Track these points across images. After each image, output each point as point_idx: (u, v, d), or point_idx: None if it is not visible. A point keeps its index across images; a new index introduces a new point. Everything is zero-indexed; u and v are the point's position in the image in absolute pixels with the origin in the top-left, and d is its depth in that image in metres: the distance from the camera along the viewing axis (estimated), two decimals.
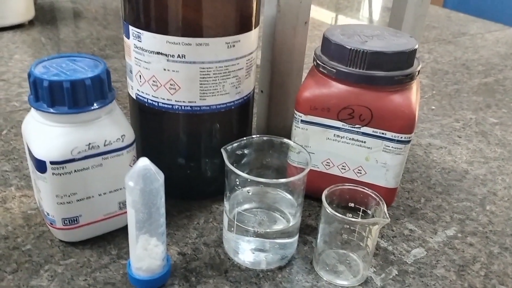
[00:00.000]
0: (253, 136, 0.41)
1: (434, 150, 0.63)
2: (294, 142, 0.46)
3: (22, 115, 0.63)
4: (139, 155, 0.42)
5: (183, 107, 0.41)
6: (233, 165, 0.39)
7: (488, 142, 0.66)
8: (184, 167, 0.46)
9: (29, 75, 0.35)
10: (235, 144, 0.40)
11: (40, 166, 0.35)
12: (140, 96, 0.43)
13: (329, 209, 0.37)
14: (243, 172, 0.43)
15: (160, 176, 0.33)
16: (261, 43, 0.54)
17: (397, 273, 0.41)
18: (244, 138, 0.40)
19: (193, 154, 0.45)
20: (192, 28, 0.38)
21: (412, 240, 0.45)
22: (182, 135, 0.44)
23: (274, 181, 0.36)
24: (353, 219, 0.37)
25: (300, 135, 0.45)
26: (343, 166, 0.45)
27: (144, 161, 0.32)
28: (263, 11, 0.50)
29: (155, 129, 0.44)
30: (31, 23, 1.03)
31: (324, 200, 0.38)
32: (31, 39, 0.94)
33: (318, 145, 0.45)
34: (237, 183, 0.39)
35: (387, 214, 0.37)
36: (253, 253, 0.40)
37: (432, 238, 0.46)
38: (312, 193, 0.46)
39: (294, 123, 0.46)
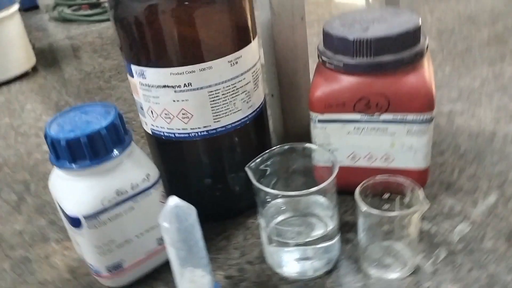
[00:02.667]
0: (274, 148, 0.41)
1: (457, 116, 0.61)
2: (315, 143, 0.46)
3: (47, 166, 0.64)
4: (165, 187, 0.42)
5: (199, 133, 0.41)
6: (260, 179, 0.39)
7: (511, 96, 0.64)
8: (212, 190, 0.46)
9: (46, 136, 0.36)
10: (258, 160, 0.40)
11: (74, 222, 0.36)
12: (156, 131, 0.43)
13: (364, 208, 0.36)
14: (270, 182, 0.43)
15: (192, 211, 0.33)
16: (262, 48, 0.53)
17: (445, 254, 0.40)
18: (266, 151, 0.40)
19: (218, 176, 0.45)
20: (193, 56, 0.38)
21: (454, 217, 0.44)
22: (204, 160, 0.44)
23: (305, 192, 0.36)
24: (391, 214, 0.36)
25: (320, 135, 0.45)
26: (369, 157, 0.45)
27: (174, 200, 0.32)
28: (258, 16, 0.49)
29: (176, 159, 0.45)
30: (34, 69, 1.05)
31: (358, 199, 0.37)
32: (38, 86, 0.95)
33: (341, 141, 0.45)
34: (267, 199, 0.39)
35: (426, 199, 0.36)
36: (298, 263, 0.40)
37: (473, 210, 0.45)
38: (343, 189, 0.46)
39: (311, 123, 0.45)
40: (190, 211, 0.33)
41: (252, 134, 0.46)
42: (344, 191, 0.47)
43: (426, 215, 0.45)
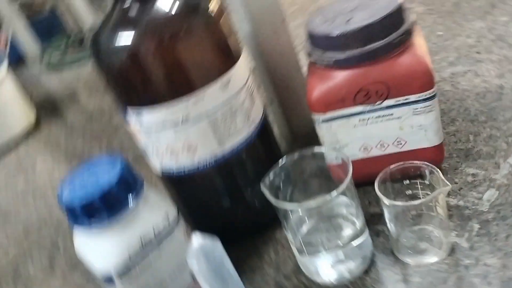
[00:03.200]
0: (284, 159, 0.40)
1: (459, 78, 0.60)
2: (323, 142, 0.45)
3: None
4: (186, 219, 0.42)
5: (208, 163, 0.41)
6: (276, 192, 0.39)
7: (510, 45, 0.63)
8: (233, 212, 0.45)
9: (60, 202, 0.36)
10: (271, 175, 0.40)
11: (107, 280, 0.36)
12: (165, 170, 0.43)
13: (387, 202, 0.36)
14: (287, 192, 0.42)
15: (216, 244, 0.33)
16: (252, 60, 0.53)
17: (479, 226, 0.40)
18: (277, 164, 0.40)
19: (237, 198, 0.45)
20: (183, 89, 0.38)
21: (479, 185, 0.43)
22: (219, 186, 0.44)
23: (324, 199, 0.36)
24: (415, 203, 0.36)
25: (327, 134, 0.44)
26: (381, 144, 0.44)
27: (197, 239, 0.32)
28: (239, 29, 0.49)
29: (191, 191, 0.45)
30: (37, 122, 1.06)
31: (379, 193, 0.37)
32: (43, 142, 0.96)
33: (349, 136, 0.44)
34: (289, 212, 0.38)
35: (445, 181, 0.36)
36: (334, 268, 0.40)
37: (497, 173, 0.44)
38: (362, 181, 0.45)
39: (316, 124, 0.45)
40: (215, 245, 0.33)
41: (260, 148, 0.46)
42: (364, 183, 0.47)
43: (450, 190, 0.44)
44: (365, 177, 0.43)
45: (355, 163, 0.45)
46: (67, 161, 0.82)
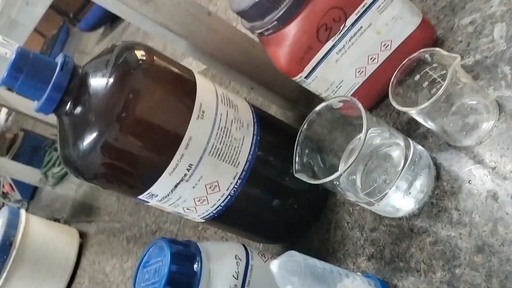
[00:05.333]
0: (298, 137, 0.38)
1: None
2: (319, 93, 0.43)
3: None
4: (254, 239, 0.41)
5: (236, 186, 0.40)
6: (312, 169, 0.37)
7: None
8: (287, 208, 0.44)
9: None
10: (296, 158, 0.38)
11: None
12: (206, 216, 0.42)
13: (412, 110, 0.34)
14: (318, 159, 0.41)
15: (293, 254, 0.32)
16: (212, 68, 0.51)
17: (509, 67, 0.37)
18: (295, 145, 0.38)
19: (283, 195, 0.44)
20: (169, 145, 0.36)
21: (483, 28, 0.40)
22: (258, 195, 0.43)
23: (356, 156, 0.33)
24: (437, 96, 0.33)
25: (317, 85, 0.42)
26: (371, 59, 0.42)
27: (274, 265, 0.31)
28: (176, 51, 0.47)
29: (240, 216, 0.44)
30: (81, 238, 1.06)
31: (400, 108, 0.34)
32: (98, 241, 0.97)
33: (338, 72, 0.42)
34: (335, 182, 0.36)
35: (450, 54, 0.33)
36: (407, 195, 0.38)
37: (491, 5, 0.40)
38: (380, 98, 0.43)
39: (303, 84, 0.42)
40: (292, 256, 0.32)
41: (271, 137, 0.44)
42: (382, 99, 0.45)
43: (461, 51, 0.41)
44: (380, 94, 0.41)
45: (361, 89, 0.43)
46: (126, 256, 0.82)
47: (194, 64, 0.73)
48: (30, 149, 1.46)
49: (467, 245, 0.34)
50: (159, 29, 0.45)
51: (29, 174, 1.43)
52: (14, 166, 1.40)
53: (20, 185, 1.45)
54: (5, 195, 1.42)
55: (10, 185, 1.46)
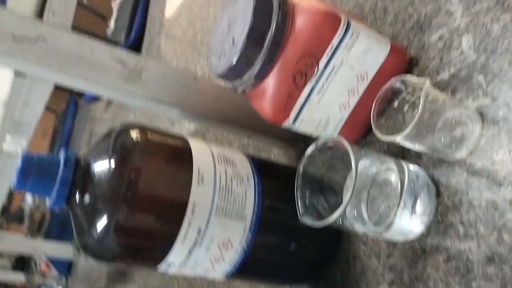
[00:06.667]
0: (297, 180, 0.40)
1: None
2: (311, 133, 0.45)
3: None
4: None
5: (248, 239, 0.41)
6: (316, 209, 0.39)
7: None
8: (302, 249, 0.45)
9: None
10: (299, 202, 0.39)
11: None
12: (226, 273, 0.43)
13: (397, 138, 0.35)
14: (320, 199, 0.42)
15: None
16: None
17: (482, 75, 0.38)
18: (295, 190, 0.39)
19: (295, 237, 0.45)
20: (176, 214, 0.38)
21: (451, 42, 0.42)
22: (273, 243, 0.44)
23: (352, 189, 0.35)
24: (416, 119, 0.34)
25: (307, 127, 0.44)
26: (352, 92, 0.43)
27: None
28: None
29: (260, 265, 0.45)
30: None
31: (385, 139, 0.36)
32: None
33: (322, 111, 0.43)
34: (341, 218, 0.37)
35: (420, 78, 0.35)
36: (413, 215, 0.39)
37: (455, 18, 0.42)
38: (370, 128, 0.44)
39: (293, 129, 0.44)
40: None
41: (273, 182, 0.46)
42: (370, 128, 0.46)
43: (435, 66, 0.42)
44: (369, 122, 0.42)
45: (349, 122, 0.45)
46: None
47: (191, 125, 0.75)
48: (59, 225, 1.50)
49: (478, 257, 0.34)
50: (150, 103, 0.48)
51: (62, 250, 1.46)
52: (47, 245, 1.44)
53: (55, 262, 1.48)
54: (43, 275, 1.46)
55: (46, 264, 1.50)
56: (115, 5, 2.00)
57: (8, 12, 0.41)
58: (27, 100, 0.48)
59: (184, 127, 0.85)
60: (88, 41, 0.44)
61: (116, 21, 1.94)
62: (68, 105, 2.41)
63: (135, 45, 1.66)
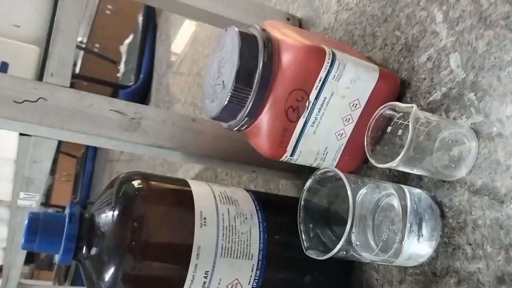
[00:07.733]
0: (300, 215, 0.40)
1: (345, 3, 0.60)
2: (310, 164, 0.45)
3: None
4: None
5: (258, 278, 0.41)
6: (321, 241, 0.38)
7: None
8: (317, 280, 0.45)
9: None
10: (303, 235, 0.39)
11: None
12: None
13: (393, 164, 0.35)
14: (325, 230, 0.42)
15: None
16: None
17: (473, 93, 0.38)
18: (299, 224, 0.40)
19: (307, 270, 0.45)
20: (183, 256, 0.39)
21: (439, 61, 0.42)
22: (285, 277, 0.44)
23: (350, 224, 0.35)
24: (408, 142, 0.34)
25: (306, 159, 0.44)
26: (346, 120, 0.43)
27: None
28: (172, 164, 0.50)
29: None
30: None
31: (382, 166, 0.36)
32: None
33: (319, 142, 0.44)
34: (347, 248, 0.37)
35: (407, 105, 0.35)
36: (420, 238, 0.38)
37: (441, 38, 0.42)
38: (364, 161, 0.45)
39: (292, 162, 0.45)
40: None
41: (280, 221, 0.46)
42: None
43: (427, 87, 0.43)
44: (363, 155, 0.42)
45: (347, 149, 0.45)
46: None
47: (195, 165, 0.76)
48: None
49: (488, 279, 0.34)
50: (151, 149, 0.49)
51: None
52: None
53: None
54: None
55: None
56: (123, 48, 2.07)
57: (9, 77, 0.43)
58: (34, 158, 0.50)
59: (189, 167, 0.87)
60: (86, 96, 0.46)
61: (126, 63, 1.99)
62: (87, 149, 2.47)
63: (145, 86, 1.70)
